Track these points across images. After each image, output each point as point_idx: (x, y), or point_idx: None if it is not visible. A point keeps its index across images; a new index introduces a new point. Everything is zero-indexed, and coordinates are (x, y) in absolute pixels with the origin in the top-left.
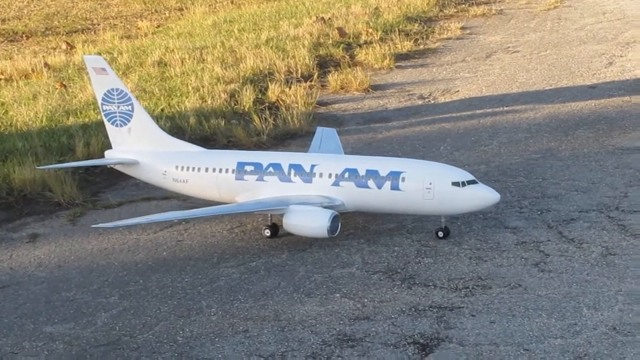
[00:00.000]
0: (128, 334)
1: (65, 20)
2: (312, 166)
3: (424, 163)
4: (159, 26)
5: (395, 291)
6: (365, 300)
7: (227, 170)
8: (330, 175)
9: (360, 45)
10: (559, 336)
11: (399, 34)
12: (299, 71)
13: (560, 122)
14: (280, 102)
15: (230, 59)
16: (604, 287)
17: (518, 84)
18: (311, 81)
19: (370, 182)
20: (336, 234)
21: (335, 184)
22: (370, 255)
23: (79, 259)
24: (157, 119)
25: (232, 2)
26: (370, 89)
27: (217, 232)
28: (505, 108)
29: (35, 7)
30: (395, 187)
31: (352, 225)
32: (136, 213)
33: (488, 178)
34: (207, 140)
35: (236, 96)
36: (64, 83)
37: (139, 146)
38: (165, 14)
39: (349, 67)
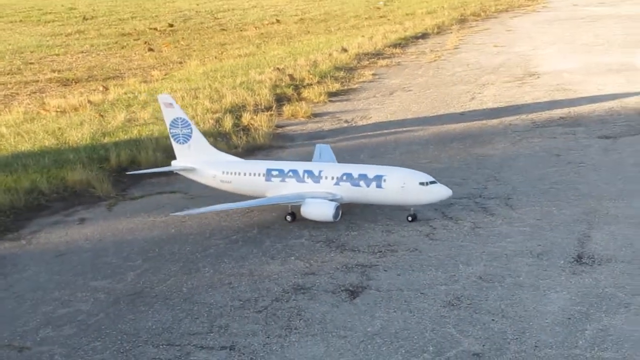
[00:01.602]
0: (149, 287)
1: (101, 71)
2: (320, 171)
3: (398, 169)
4: (166, 74)
5: (332, 255)
6: (312, 261)
7: (259, 174)
8: (333, 178)
9: (304, 86)
10: (444, 284)
11: (330, 78)
12: (263, 104)
13: (441, 138)
14: (250, 125)
15: (215, 96)
16: (473, 250)
17: (412, 112)
18: (271, 111)
19: (362, 183)
20: (338, 218)
21: (337, 183)
22: (314, 230)
23: (114, 235)
24: (165, 138)
25: (215, 58)
26: (312, 116)
27: (209, 215)
28: (403, 129)
29: (80, 62)
30: (379, 186)
31: (271, 208)
32: (155, 204)
33: None
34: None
35: (220, 122)
36: (101, 114)
37: (196, 157)
38: (170, 66)
39: (297, 101)
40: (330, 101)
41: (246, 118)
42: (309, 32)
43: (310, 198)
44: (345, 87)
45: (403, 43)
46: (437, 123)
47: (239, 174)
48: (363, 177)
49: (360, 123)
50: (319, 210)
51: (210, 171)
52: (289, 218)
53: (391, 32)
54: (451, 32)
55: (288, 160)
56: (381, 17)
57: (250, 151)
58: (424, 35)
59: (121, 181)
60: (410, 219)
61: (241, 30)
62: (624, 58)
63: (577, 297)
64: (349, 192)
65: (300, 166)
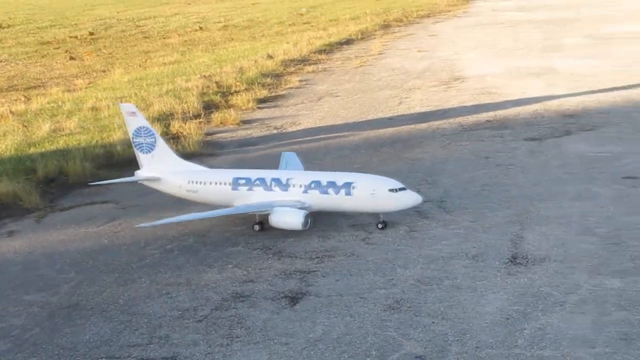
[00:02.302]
0: (84, 299)
1: (22, 80)
2: (288, 179)
3: (368, 176)
4: (90, 83)
5: (270, 262)
6: (250, 268)
7: (225, 183)
8: (301, 186)
9: (231, 93)
10: (383, 288)
11: (258, 85)
12: (191, 112)
13: (371, 143)
14: (180, 133)
15: (142, 105)
16: (410, 253)
17: (341, 117)
18: (200, 118)
19: (330, 190)
20: (307, 227)
21: (305, 191)
22: (251, 238)
23: (44, 247)
24: (93, 148)
25: (140, 66)
26: (241, 123)
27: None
28: (333, 134)
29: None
30: (348, 193)
31: (237, 216)
32: (85, 215)
33: None
34: (130, 161)
35: None
36: (25, 124)
37: (160, 167)
38: (94, 74)
39: (225, 108)
40: (258, 108)
41: (175, 126)
42: (233, 39)
43: (278, 207)
44: (273, 94)
45: (328, 49)
46: (366, 128)
47: (205, 183)
48: (332, 184)
49: (290, 129)
50: (287, 218)
51: (175, 181)
52: (256, 227)
53: (316, 39)
54: (375, 38)
55: (254, 169)
56: (305, 23)
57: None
58: (349, 41)
59: (49, 192)
60: (380, 226)
61: (164, 38)
62: (543, 62)
63: (513, 297)
64: (317, 200)
65: (268, 174)
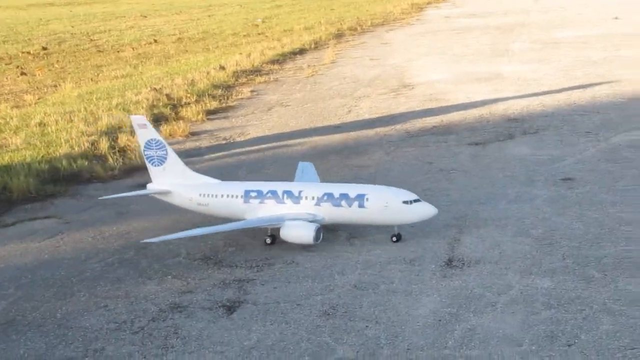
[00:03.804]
0: (21, 315)
1: None
2: (300, 192)
3: (381, 187)
4: (39, 98)
5: (210, 271)
6: (189, 279)
7: (236, 196)
8: (313, 198)
9: (182, 105)
10: (320, 294)
11: (208, 97)
12: None
13: (319, 151)
14: (128, 146)
15: (91, 119)
16: (348, 259)
17: (290, 127)
18: None
19: (343, 202)
20: (319, 241)
21: (317, 204)
22: (192, 249)
23: None
24: (38, 163)
25: (91, 80)
26: (190, 135)
27: (84, 238)
28: (282, 143)
29: None
30: (361, 206)
31: (178, 227)
32: (27, 230)
33: None
34: (75, 176)
35: (95, 144)
36: None
37: (171, 180)
38: (44, 90)
39: (175, 120)
40: (208, 119)
41: (123, 139)
42: (187, 51)
43: (289, 220)
44: (224, 105)
45: (281, 59)
46: (315, 136)
47: (216, 196)
48: (344, 196)
49: (238, 139)
50: (298, 232)
51: (186, 194)
52: (268, 240)
53: (269, 49)
54: (328, 47)
55: (267, 181)
56: (259, 34)
57: (128, 172)
58: (302, 51)
59: None
60: (394, 239)
61: (118, 52)
62: (491, 67)
63: (447, 299)
64: (330, 213)
65: (280, 187)
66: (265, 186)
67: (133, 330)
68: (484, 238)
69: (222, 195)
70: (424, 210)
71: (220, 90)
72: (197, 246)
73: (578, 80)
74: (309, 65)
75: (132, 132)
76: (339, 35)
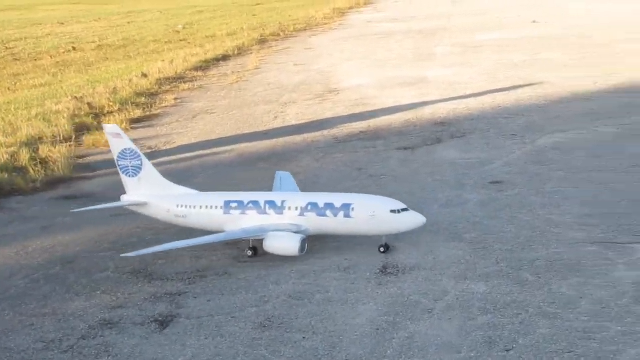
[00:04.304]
0: None
1: None
2: (283, 202)
3: (368, 196)
4: None
5: (140, 285)
6: (119, 294)
7: (216, 207)
8: (297, 208)
9: (104, 114)
10: (255, 305)
11: (132, 105)
12: (62, 135)
13: (247, 159)
14: (49, 157)
15: (9, 129)
16: (282, 269)
17: (216, 134)
18: (70, 142)
19: (328, 212)
20: (304, 252)
21: (301, 214)
22: (120, 262)
23: None
24: None
25: (9, 89)
26: None
27: (7, 254)
28: (208, 151)
29: None
30: (347, 216)
31: (106, 240)
32: None
33: None
34: None
35: (15, 156)
36: None
37: (147, 191)
38: None
39: (98, 130)
40: (132, 128)
41: (44, 150)
42: (107, 58)
43: (273, 231)
44: (148, 113)
45: (204, 66)
46: (242, 143)
47: (195, 207)
48: (330, 206)
49: (164, 148)
50: (282, 244)
51: (163, 205)
52: (249, 253)
53: (192, 56)
54: (252, 53)
55: (248, 191)
56: (181, 40)
57: (51, 184)
58: (225, 57)
59: None
60: (382, 249)
61: (36, 60)
62: (415, 72)
63: (384, 307)
64: (315, 223)
65: (262, 197)
66: (246, 196)
67: (62, 349)
68: (418, 244)
69: (201, 207)
70: (413, 220)
71: (143, 98)
72: (126, 259)
73: (501, 83)
74: (233, 72)
75: (53, 143)
76: (262, 41)
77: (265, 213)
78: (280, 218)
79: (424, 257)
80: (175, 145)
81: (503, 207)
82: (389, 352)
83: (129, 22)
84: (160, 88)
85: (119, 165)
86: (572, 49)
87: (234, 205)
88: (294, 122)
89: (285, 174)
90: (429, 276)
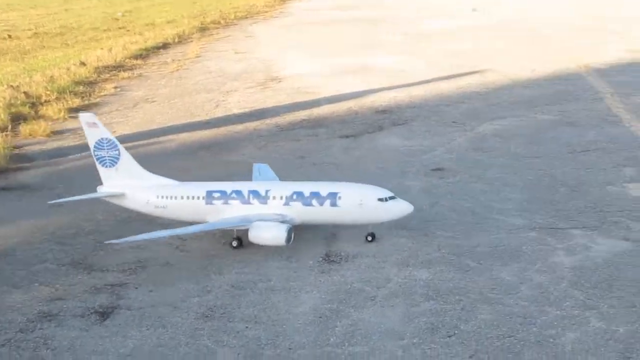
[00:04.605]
0: None
1: None
2: (267, 191)
3: (354, 185)
4: None
5: (80, 277)
6: (58, 285)
7: (198, 197)
8: (282, 198)
9: (42, 103)
10: (197, 295)
11: (70, 94)
12: None
13: (189, 147)
14: None
15: None
16: (224, 258)
17: (157, 123)
18: (6, 132)
19: (314, 202)
20: (291, 242)
21: (286, 204)
22: (60, 253)
23: None
24: None
25: None
26: (52, 134)
27: None
28: (150, 140)
29: None
30: (334, 204)
31: (44, 231)
32: None
33: None
34: None
35: None
36: None
37: (125, 181)
38: None
39: (35, 119)
40: (71, 117)
41: None
42: (44, 46)
43: (258, 221)
44: (87, 102)
45: (144, 54)
46: (183, 132)
47: (176, 197)
48: (315, 195)
49: None
50: (268, 234)
51: (142, 196)
52: (234, 243)
53: (131, 43)
54: (192, 41)
55: (230, 181)
56: (120, 28)
57: None
58: (165, 45)
59: None
60: (369, 238)
61: None
62: (359, 59)
63: (327, 295)
64: (300, 213)
65: (245, 186)
66: (228, 186)
67: None
68: (361, 232)
69: (182, 197)
70: (400, 208)
71: (82, 87)
72: (65, 250)
73: (443, 71)
74: (173, 60)
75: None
76: (202, 29)
77: (249, 203)
78: (265, 208)
79: (367, 245)
80: (115, 135)
81: (444, 194)
82: (332, 339)
83: (66, 10)
84: (99, 76)
85: (95, 156)
86: (511, 37)
87: (216, 195)
88: (235, 110)
89: (263, 165)
90: (371, 264)
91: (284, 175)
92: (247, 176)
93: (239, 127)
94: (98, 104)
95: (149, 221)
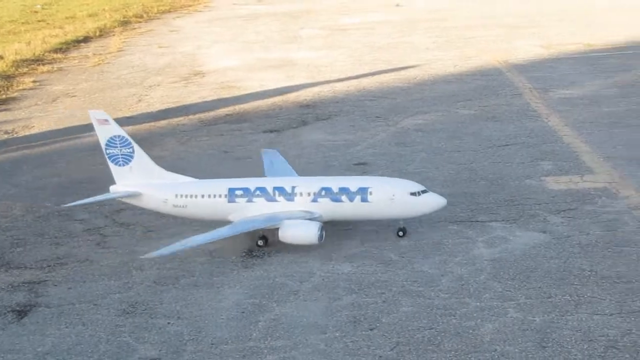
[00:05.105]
0: None
1: None
2: (293, 187)
3: (384, 179)
4: None
5: None
6: None
7: (220, 196)
8: (309, 194)
9: None
10: (118, 292)
11: None
12: None
13: None
14: None
15: None
16: (142, 254)
17: (78, 118)
18: None
19: (344, 197)
20: (322, 240)
21: (314, 200)
22: None
23: None
24: None
25: None
26: None
27: None
28: (70, 136)
29: None
30: (365, 200)
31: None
32: None
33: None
34: None
35: None
36: None
37: (140, 180)
38: None
39: None
40: None
41: None
42: None
43: (288, 219)
44: (4, 96)
45: (65, 48)
46: None
47: (196, 196)
48: (345, 190)
49: (22, 133)
50: (301, 232)
51: (160, 195)
52: (260, 242)
53: (51, 37)
54: (114, 35)
55: (251, 177)
56: (40, 21)
57: None
58: (86, 39)
59: None
60: (400, 233)
61: None
62: (282, 54)
63: (250, 290)
64: (329, 209)
65: (269, 183)
66: (251, 183)
67: None
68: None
69: (202, 195)
70: (434, 202)
71: None
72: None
73: (366, 66)
74: (95, 54)
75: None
76: (125, 23)
77: (274, 200)
78: (292, 205)
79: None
80: (34, 130)
81: None
82: (254, 334)
83: None
84: (17, 70)
85: (107, 154)
86: (434, 32)
87: (239, 192)
88: (158, 106)
89: (274, 151)
90: (294, 258)
91: (206, 170)
92: (166, 169)
93: (161, 122)
94: (16, 98)
95: (68, 217)
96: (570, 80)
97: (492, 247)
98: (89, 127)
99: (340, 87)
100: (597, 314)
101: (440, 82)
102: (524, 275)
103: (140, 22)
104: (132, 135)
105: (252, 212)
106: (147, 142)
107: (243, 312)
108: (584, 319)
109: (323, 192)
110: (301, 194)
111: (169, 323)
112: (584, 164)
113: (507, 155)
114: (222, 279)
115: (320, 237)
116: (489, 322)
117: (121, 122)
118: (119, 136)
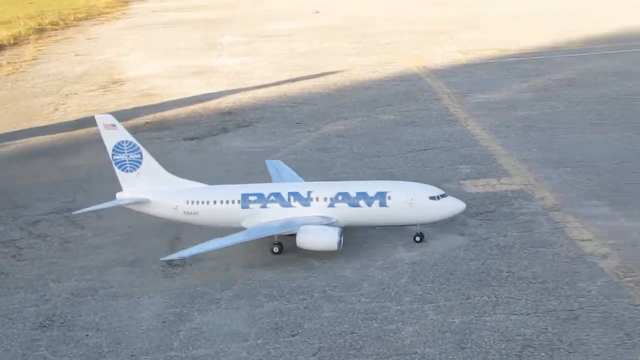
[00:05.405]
0: None
1: None
2: (309, 192)
3: (402, 183)
4: None
5: None
6: None
7: (233, 202)
8: (326, 199)
9: None
10: (34, 305)
11: None
12: None
13: (26, 153)
14: None
15: None
16: (64, 266)
17: None
18: None
19: (362, 202)
20: (341, 247)
21: (331, 205)
22: None
23: None
24: None
25: None
26: None
27: None
28: None
29: None
30: (383, 204)
31: None
32: None
33: None
34: None
35: None
36: None
37: (148, 187)
38: None
39: None
40: None
41: None
42: None
43: (305, 225)
44: None
45: None
46: (20, 138)
47: (208, 202)
48: (363, 195)
49: None
50: (320, 237)
51: (170, 202)
52: (275, 249)
53: None
54: (29, 43)
55: (263, 183)
56: None
57: None
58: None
59: None
60: (418, 238)
61: None
62: (203, 61)
63: (170, 299)
64: (347, 214)
65: (283, 188)
66: (265, 189)
67: None
68: (203, 235)
69: (214, 202)
70: (453, 206)
71: None
72: None
73: (287, 73)
74: (8, 62)
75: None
76: (40, 30)
77: (289, 206)
78: (308, 210)
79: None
80: None
81: None
82: (175, 344)
83: None
84: None
85: (114, 160)
86: (353, 38)
87: (252, 198)
88: (75, 115)
89: (278, 162)
90: (215, 266)
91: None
92: (84, 180)
93: (79, 132)
94: None
95: (15, 217)
96: (487, 85)
97: (412, 251)
98: (3, 138)
99: (261, 93)
100: (514, 314)
101: (360, 88)
102: (443, 278)
103: (56, 29)
104: (49, 145)
105: (267, 218)
106: (64, 152)
107: (164, 322)
108: (501, 319)
109: (340, 197)
110: (317, 199)
111: (87, 335)
112: (500, 167)
113: (426, 160)
114: (142, 289)
115: (340, 242)
116: (410, 325)
117: (37, 132)
118: (126, 141)
